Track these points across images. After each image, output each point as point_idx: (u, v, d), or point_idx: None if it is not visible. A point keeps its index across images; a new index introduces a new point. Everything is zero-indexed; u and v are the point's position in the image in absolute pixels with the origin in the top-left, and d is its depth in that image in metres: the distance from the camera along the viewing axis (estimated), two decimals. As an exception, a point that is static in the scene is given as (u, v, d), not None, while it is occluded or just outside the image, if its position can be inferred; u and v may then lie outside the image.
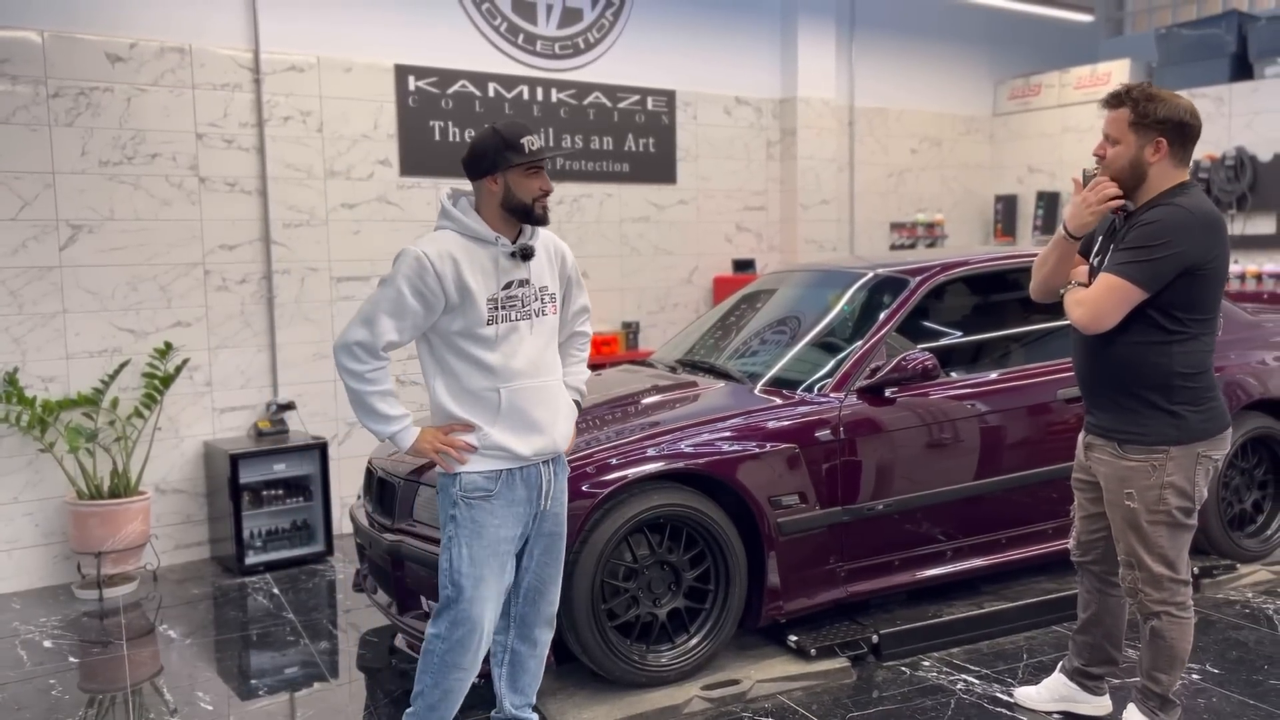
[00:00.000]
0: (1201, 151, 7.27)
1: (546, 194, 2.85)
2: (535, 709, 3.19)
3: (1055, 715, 3.37)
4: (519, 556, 2.98)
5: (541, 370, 2.90)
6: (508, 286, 2.83)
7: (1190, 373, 2.85)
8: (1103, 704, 3.32)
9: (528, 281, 2.87)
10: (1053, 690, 3.40)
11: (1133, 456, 2.89)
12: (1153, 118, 2.79)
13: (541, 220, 2.87)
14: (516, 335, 2.84)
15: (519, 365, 2.84)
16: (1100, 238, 3.00)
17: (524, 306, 2.85)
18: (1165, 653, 2.97)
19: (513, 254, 2.83)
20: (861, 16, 7.90)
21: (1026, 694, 3.45)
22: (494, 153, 2.78)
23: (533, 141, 2.79)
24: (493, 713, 3.14)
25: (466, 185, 2.94)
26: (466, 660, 2.88)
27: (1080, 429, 3.18)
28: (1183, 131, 2.82)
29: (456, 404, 2.83)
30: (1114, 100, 2.88)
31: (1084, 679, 3.33)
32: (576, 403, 3.11)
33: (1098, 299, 2.81)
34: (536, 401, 2.87)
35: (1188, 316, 2.81)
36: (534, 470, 2.90)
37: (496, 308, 2.80)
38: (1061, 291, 3.02)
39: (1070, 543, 3.31)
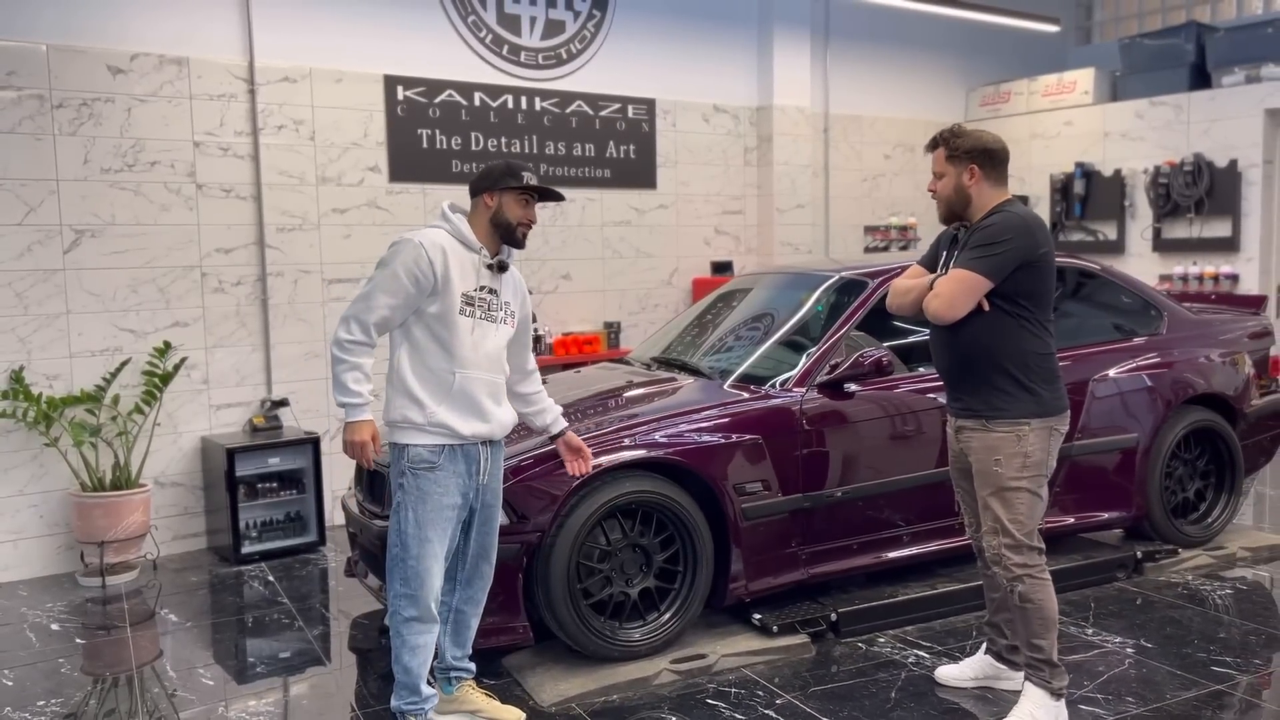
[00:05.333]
0: (1161, 157, 7.55)
1: (531, 223, 3.30)
2: (471, 657, 3.50)
3: (973, 689, 3.61)
4: (465, 527, 3.33)
5: (496, 369, 3.27)
6: (480, 289, 3.24)
7: (1042, 352, 3.27)
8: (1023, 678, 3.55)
9: (496, 292, 3.28)
10: (976, 669, 3.65)
11: (999, 429, 3.26)
12: (961, 150, 3.28)
13: (520, 243, 3.33)
14: (480, 331, 3.21)
15: (478, 358, 3.20)
16: (944, 253, 3.43)
17: (490, 310, 3.25)
18: (1037, 615, 3.27)
19: (490, 265, 3.26)
20: (836, 26, 8.15)
21: (948, 672, 3.69)
22: (498, 175, 3.25)
23: (530, 176, 3.26)
24: (435, 662, 3.43)
25: (450, 195, 3.22)
26: (425, 613, 3.21)
27: None
28: (990, 157, 3.28)
29: (414, 375, 3.17)
30: (931, 145, 3.39)
31: (1012, 653, 3.56)
32: (566, 429, 3.59)
33: (951, 290, 3.21)
34: (486, 392, 3.23)
35: (1030, 304, 3.24)
36: (473, 448, 3.25)
37: (469, 303, 3.19)
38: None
39: (969, 534, 3.62)
